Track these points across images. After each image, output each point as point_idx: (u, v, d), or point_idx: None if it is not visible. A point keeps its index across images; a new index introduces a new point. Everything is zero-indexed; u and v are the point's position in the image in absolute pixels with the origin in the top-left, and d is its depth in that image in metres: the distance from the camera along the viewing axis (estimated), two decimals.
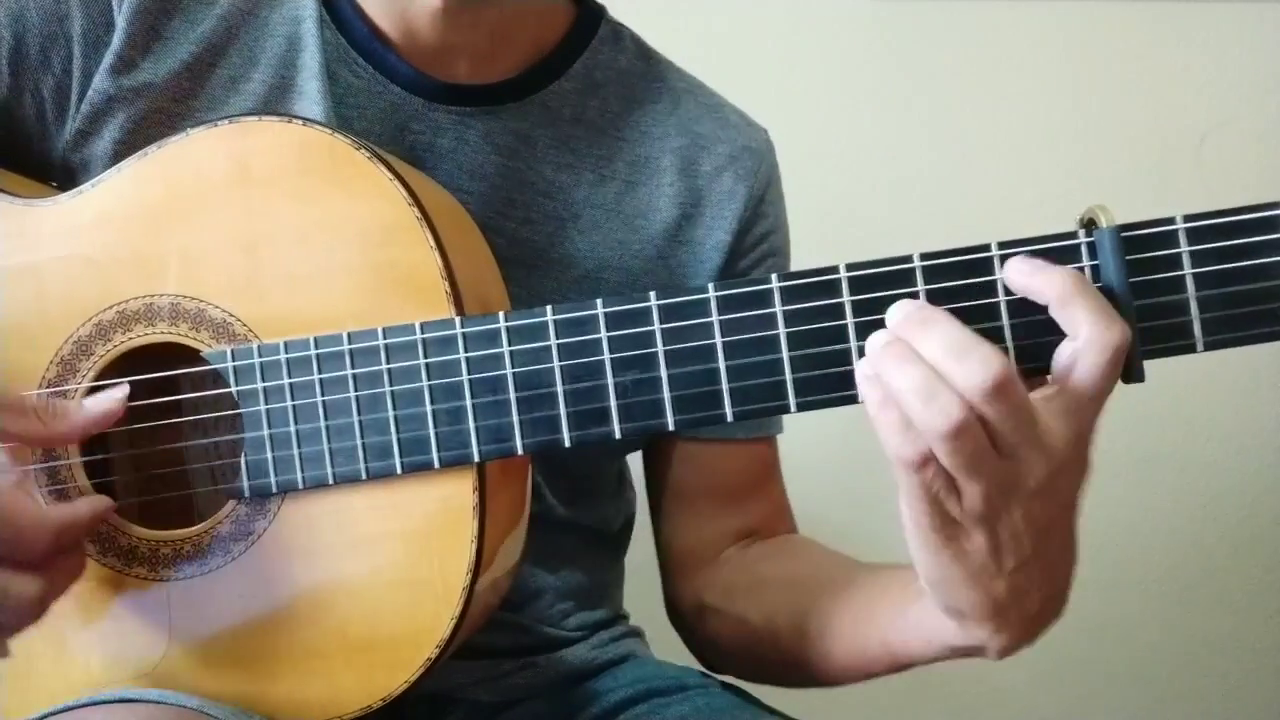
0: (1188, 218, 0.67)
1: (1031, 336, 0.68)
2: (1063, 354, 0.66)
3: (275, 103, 0.90)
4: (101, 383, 0.80)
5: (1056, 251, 0.68)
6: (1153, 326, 0.67)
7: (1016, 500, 0.66)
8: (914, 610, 0.78)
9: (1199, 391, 1.69)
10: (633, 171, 0.98)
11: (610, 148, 0.98)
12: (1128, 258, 0.67)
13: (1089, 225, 0.68)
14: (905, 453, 0.64)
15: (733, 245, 0.99)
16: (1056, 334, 0.67)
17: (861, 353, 0.68)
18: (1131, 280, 0.67)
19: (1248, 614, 1.76)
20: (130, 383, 0.80)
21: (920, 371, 0.64)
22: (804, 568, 0.97)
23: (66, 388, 0.80)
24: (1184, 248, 0.67)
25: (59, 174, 0.89)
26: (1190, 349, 0.67)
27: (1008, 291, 0.68)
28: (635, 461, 1.08)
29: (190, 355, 0.79)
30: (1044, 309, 0.67)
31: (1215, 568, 1.76)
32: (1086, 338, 0.65)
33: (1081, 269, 0.68)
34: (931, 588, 0.71)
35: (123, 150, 0.87)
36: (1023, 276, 0.67)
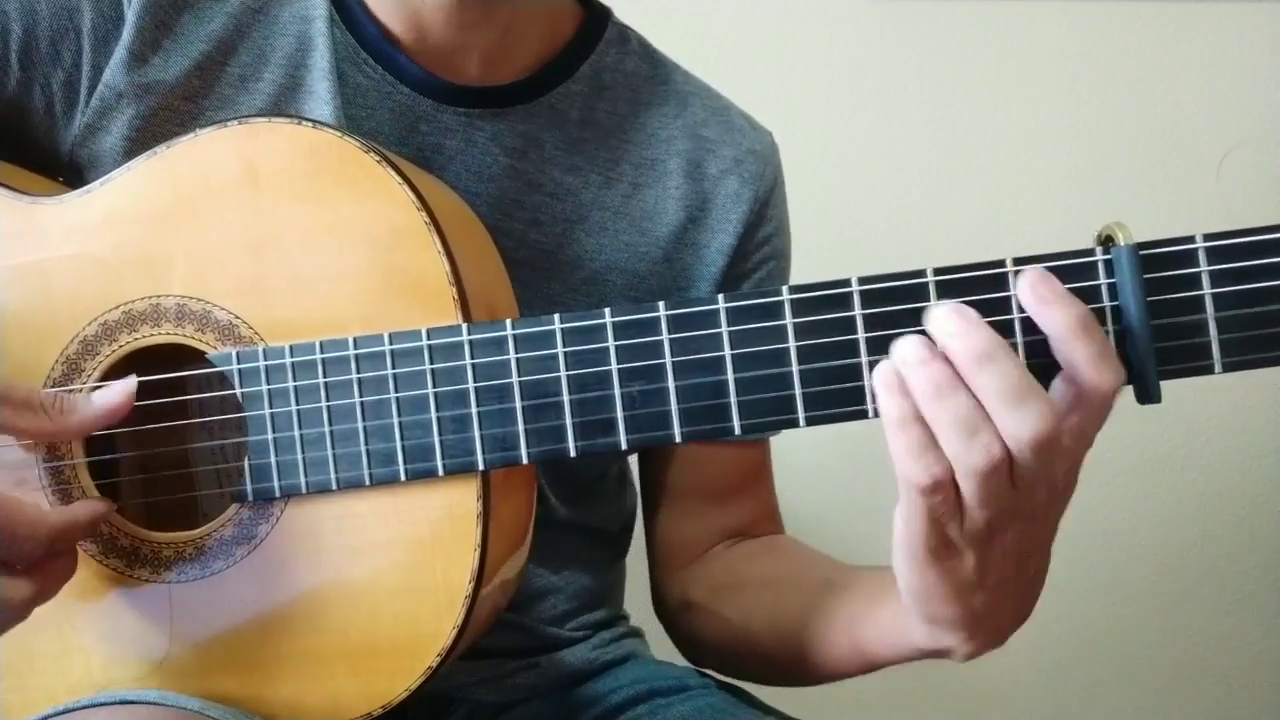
0: (1207, 236, 0.64)
1: (1045, 355, 0.65)
2: (1057, 390, 0.65)
3: (285, 102, 0.88)
4: (106, 383, 0.77)
5: (1074, 269, 0.66)
6: (1170, 347, 0.65)
7: (1014, 524, 0.65)
8: (885, 612, 0.77)
9: (1198, 392, 1.65)
10: (639, 174, 0.96)
11: (617, 150, 0.96)
12: (1146, 276, 0.64)
13: (1106, 242, 0.66)
14: (920, 477, 0.63)
15: (736, 248, 0.97)
16: None
17: (873, 368, 0.65)
18: (1149, 299, 0.64)
19: (1248, 614, 1.75)
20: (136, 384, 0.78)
21: (967, 404, 0.62)
22: (785, 568, 0.96)
23: (72, 388, 0.78)
24: (1203, 267, 0.64)
25: (65, 169, 0.88)
26: (1208, 370, 0.65)
27: (1022, 309, 0.66)
28: (634, 462, 1.06)
29: (196, 357, 0.77)
30: None
31: (1215, 568, 1.74)
32: (1086, 382, 0.63)
33: (1098, 287, 0.65)
34: (912, 599, 0.70)
35: (132, 147, 0.85)
36: (1033, 301, 0.65)
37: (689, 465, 1.01)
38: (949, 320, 0.63)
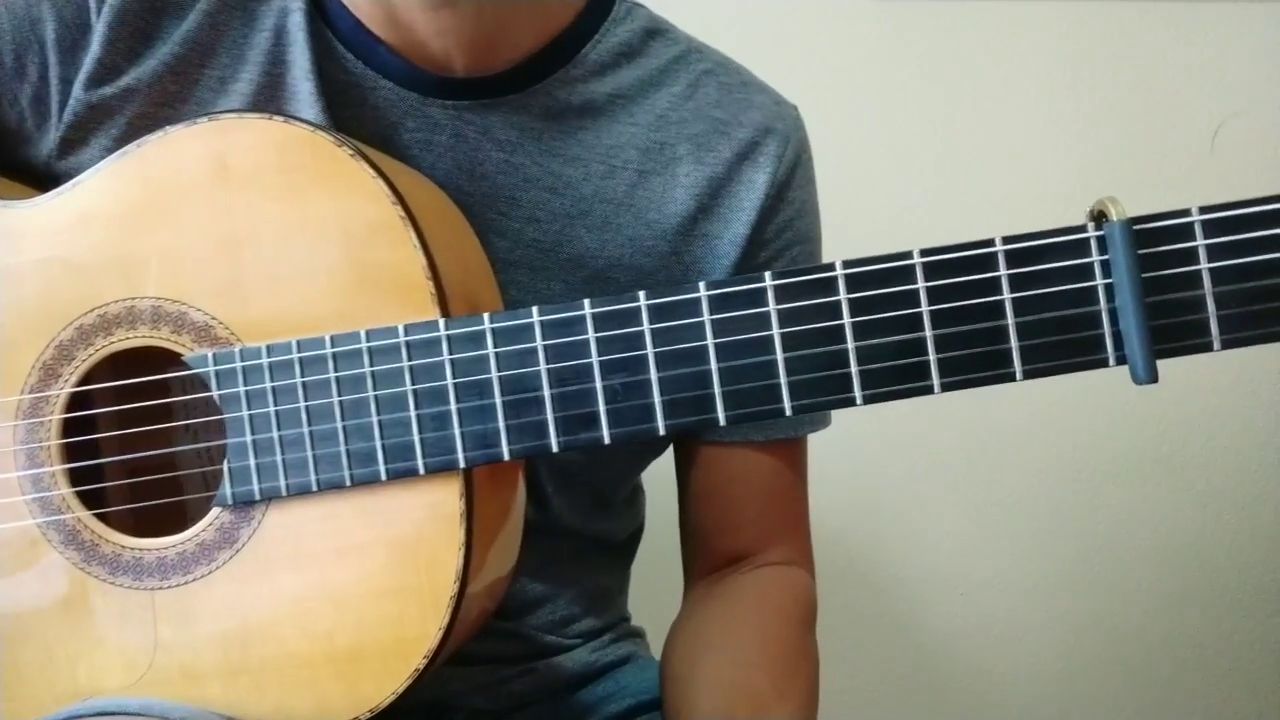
0: (1203, 209, 0.60)
1: (1037, 336, 0.62)
2: None
3: (265, 102, 0.83)
4: (83, 388, 0.74)
5: (1065, 246, 0.62)
6: (1167, 324, 0.61)
7: None
8: None
9: (1199, 391, 1.64)
10: (646, 160, 0.87)
11: (621, 135, 0.87)
12: (1140, 252, 0.60)
13: (1099, 218, 0.62)
14: None
15: (751, 238, 0.87)
16: (1063, 333, 0.61)
17: (859, 353, 0.61)
18: (1144, 275, 0.60)
19: (1248, 614, 1.71)
20: (114, 388, 0.75)
21: None
22: (718, 633, 0.87)
23: (49, 393, 0.74)
24: (1199, 241, 0.60)
25: (45, 182, 0.82)
26: (1206, 347, 0.61)
27: (1012, 288, 0.62)
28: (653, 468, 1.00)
29: (174, 359, 0.73)
30: (1050, 308, 0.61)
31: (1215, 568, 1.70)
32: None
33: (1091, 264, 0.62)
34: None
35: None
36: None
37: (707, 472, 0.93)
38: None
